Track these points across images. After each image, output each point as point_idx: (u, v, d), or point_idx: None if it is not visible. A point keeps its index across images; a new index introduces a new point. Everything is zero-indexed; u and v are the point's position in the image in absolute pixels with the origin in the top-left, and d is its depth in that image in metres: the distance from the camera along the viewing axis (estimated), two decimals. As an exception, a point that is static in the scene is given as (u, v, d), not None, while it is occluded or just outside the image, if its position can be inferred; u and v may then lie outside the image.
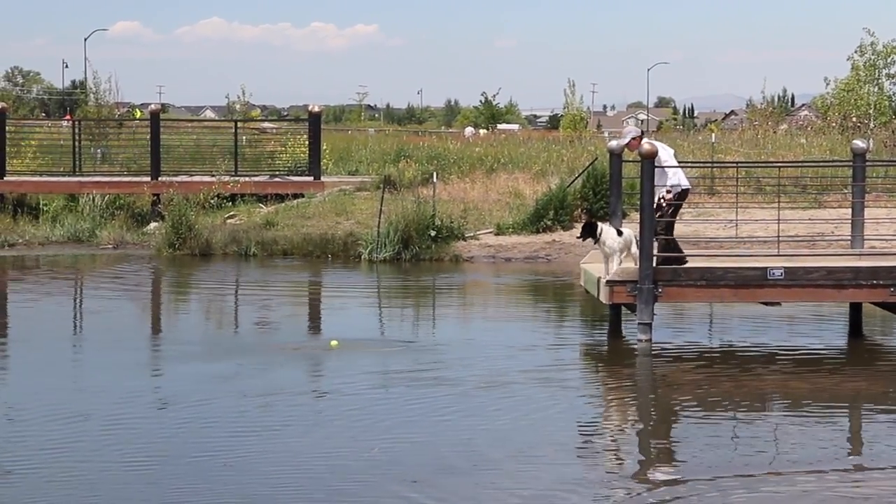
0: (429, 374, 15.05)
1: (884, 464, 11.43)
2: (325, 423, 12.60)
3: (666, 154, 16.99)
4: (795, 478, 10.67)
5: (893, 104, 55.69)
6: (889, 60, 50.99)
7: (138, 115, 57.66)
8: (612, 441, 12.42)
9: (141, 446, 11.67)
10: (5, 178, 33.13)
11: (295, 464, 11.02)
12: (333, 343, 16.92)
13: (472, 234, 28.54)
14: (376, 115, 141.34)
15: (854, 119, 48.79)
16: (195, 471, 10.88)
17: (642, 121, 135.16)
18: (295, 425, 12.47)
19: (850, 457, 11.75)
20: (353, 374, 14.98)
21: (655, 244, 16.66)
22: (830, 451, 11.70)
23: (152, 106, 37.48)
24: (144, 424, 12.59)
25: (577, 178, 30.59)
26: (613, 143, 18.62)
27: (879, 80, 51.25)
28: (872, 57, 50.71)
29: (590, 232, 16.86)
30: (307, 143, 34.09)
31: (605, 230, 16.83)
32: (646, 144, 17.00)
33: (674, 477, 10.78)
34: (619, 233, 16.85)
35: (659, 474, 10.96)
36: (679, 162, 18.15)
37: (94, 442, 11.79)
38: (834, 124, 49.10)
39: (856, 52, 51.00)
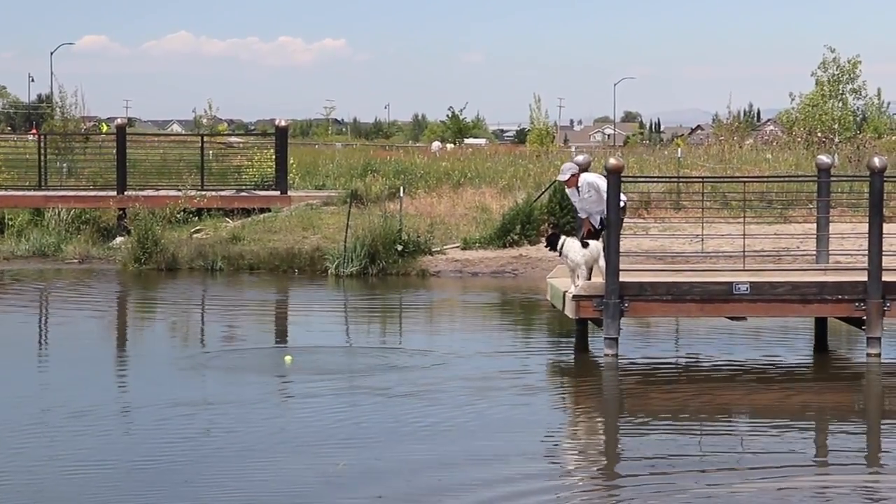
0: (392, 387, 15.01)
1: (838, 470, 11.62)
2: (289, 437, 12.52)
3: (605, 183, 17.16)
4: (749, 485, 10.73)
5: (857, 119, 56.08)
6: (852, 76, 51.34)
7: (105, 129, 57.39)
8: (576, 452, 12.44)
9: (98, 458, 11.59)
10: (-30, 193, 32.90)
11: (257, 479, 10.93)
12: (287, 359, 16.87)
13: (438, 249, 28.51)
14: (343, 130, 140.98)
15: (819, 134, 49.02)
16: (155, 486, 10.76)
17: (609, 135, 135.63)
18: (257, 439, 12.38)
19: (806, 465, 11.80)
20: (314, 388, 14.91)
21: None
22: (787, 460, 11.76)
23: (119, 120, 37.30)
24: (104, 436, 12.51)
25: (543, 192, 30.62)
26: (580, 159, 18.71)
27: (843, 96, 51.56)
28: (836, 73, 51.05)
29: (553, 242, 16.88)
30: (274, 157, 34.02)
31: (568, 243, 16.82)
32: (612, 160, 17.09)
33: (628, 485, 10.78)
34: (585, 245, 16.86)
35: (616, 483, 10.96)
36: (645, 176, 18.24)
37: (50, 453, 11.71)
38: (799, 139, 49.32)
39: (819, 67, 51.32)
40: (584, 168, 17.94)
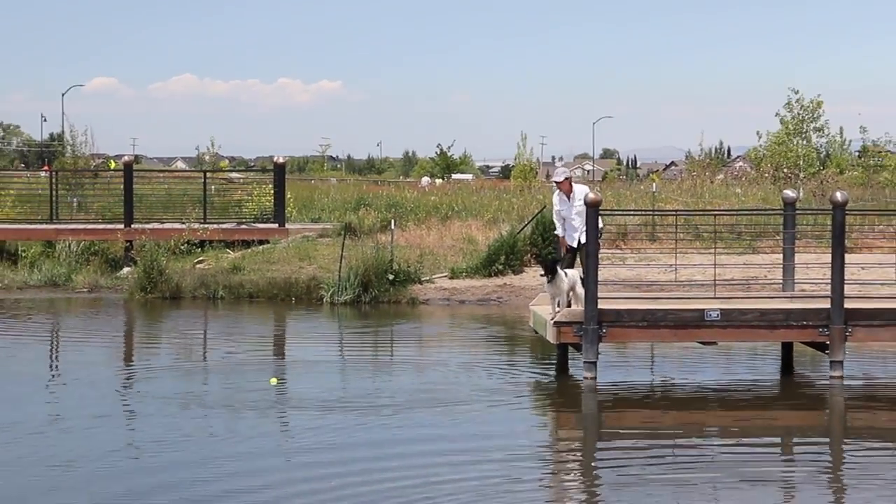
0: (387, 407, 15.02)
1: (800, 479, 11.72)
2: (279, 457, 12.54)
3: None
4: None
5: (821, 156, 56.27)
6: (815, 115, 51.56)
7: (113, 165, 57.49)
8: (557, 470, 12.48)
9: (101, 484, 11.58)
10: (-15, 226, 32.91)
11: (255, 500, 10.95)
12: (273, 381, 16.83)
13: (427, 278, 28.58)
14: (338, 166, 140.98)
15: (785, 170, 49.21)
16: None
17: (588, 171, 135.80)
18: (249, 459, 12.41)
19: (769, 476, 11.85)
20: (306, 410, 14.94)
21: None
22: (752, 466, 11.80)
23: (126, 157, 37.36)
24: (106, 458, 12.52)
25: (526, 224, 30.73)
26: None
27: (807, 134, 51.76)
28: (800, 113, 51.27)
29: (551, 269, 16.75)
30: (272, 192, 34.11)
31: (560, 271, 16.90)
32: (590, 194, 17.22)
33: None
34: (564, 273, 16.91)
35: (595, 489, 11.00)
36: (622, 209, 18.36)
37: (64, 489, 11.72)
38: (766, 175, 49.51)
39: (784, 108, 51.55)
40: None
